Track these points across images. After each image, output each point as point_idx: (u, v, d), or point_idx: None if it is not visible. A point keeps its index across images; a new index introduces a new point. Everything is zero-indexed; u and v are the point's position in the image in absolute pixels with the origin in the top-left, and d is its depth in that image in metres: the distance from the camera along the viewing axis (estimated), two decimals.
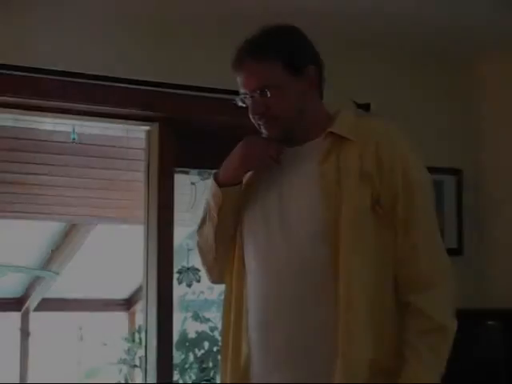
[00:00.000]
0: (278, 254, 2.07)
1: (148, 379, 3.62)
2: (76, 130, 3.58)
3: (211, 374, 5.60)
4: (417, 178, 2.06)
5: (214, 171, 2.23)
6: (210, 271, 2.31)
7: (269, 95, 2.07)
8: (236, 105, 2.15)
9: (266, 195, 2.16)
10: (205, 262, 2.30)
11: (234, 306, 2.17)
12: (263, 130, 2.14)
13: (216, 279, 2.32)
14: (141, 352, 4.47)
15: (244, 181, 2.22)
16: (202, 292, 5.88)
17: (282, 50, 2.07)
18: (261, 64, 2.07)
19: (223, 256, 2.23)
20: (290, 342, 2.02)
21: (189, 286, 4.23)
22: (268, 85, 2.06)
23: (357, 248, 1.98)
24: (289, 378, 2.03)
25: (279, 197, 2.12)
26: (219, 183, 2.16)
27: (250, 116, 2.13)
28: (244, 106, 2.13)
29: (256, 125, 2.15)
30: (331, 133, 2.10)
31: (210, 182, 2.21)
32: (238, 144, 2.17)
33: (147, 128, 3.69)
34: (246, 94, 2.11)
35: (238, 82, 2.13)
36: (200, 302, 5.96)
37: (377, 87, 4.04)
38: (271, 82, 2.06)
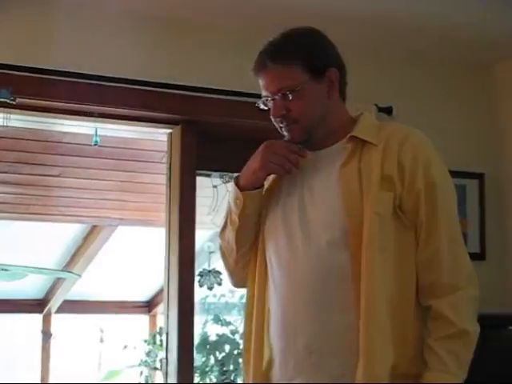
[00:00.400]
0: (298, 260, 2.06)
1: (169, 381, 3.62)
2: (98, 133, 3.58)
3: (232, 377, 5.61)
4: (439, 182, 2.05)
5: (235, 174, 2.23)
6: (231, 275, 2.31)
7: (290, 98, 2.07)
8: (258, 108, 2.16)
9: (287, 199, 2.16)
10: (227, 266, 2.31)
11: (255, 311, 2.17)
12: (285, 133, 2.14)
13: (238, 283, 2.33)
14: (161, 354, 4.47)
15: (266, 184, 2.22)
16: (223, 295, 5.89)
17: (303, 53, 2.08)
18: (282, 67, 2.07)
19: (245, 259, 2.24)
20: (311, 347, 2.02)
21: (210, 288, 4.23)
22: (289, 87, 2.07)
23: (378, 252, 1.97)
24: (310, 382, 2.02)
25: (300, 201, 2.12)
26: (240, 187, 2.17)
27: (272, 119, 2.14)
28: (266, 108, 2.14)
29: (278, 128, 2.15)
30: (353, 136, 2.10)
31: (232, 185, 2.21)
32: (259, 147, 2.17)
33: (169, 131, 3.70)
34: (268, 96, 2.11)
35: (260, 85, 2.13)
36: (221, 305, 5.97)
37: (399, 90, 4.03)
38: (292, 85, 2.07)
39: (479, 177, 4.22)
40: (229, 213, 2.23)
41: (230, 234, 2.22)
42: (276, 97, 2.09)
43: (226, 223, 2.25)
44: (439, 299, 1.99)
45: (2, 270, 5.71)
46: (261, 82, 2.13)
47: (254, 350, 2.15)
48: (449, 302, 1.98)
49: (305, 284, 2.04)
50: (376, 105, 3.82)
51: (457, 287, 2.00)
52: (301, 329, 2.04)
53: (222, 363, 5.62)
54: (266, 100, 2.12)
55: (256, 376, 2.14)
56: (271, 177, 2.23)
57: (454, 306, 1.98)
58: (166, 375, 3.65)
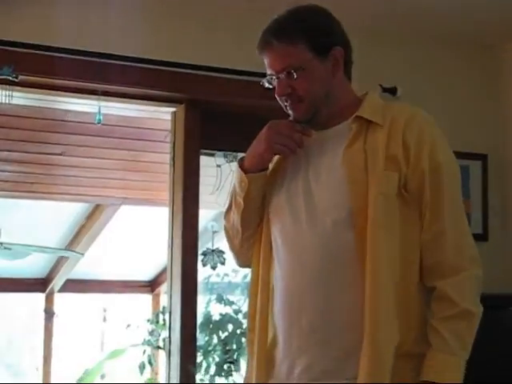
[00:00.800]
0: (303, 240, 2.06)
1: (172, 360, 3.64)
2: (101, 111, 3.57)
3: (235, 356, 5.62)
4: (444, 163, 2.05)
5: (239, 154, 2.23)
6: (236, 255, 2.32)
7: (295, 76, 2.06)
8: (263, 86, 2.15)
9: (292, 180, 2.16)
10: (232, 247, 2.31)
11: (260, 291, 2.17)
12: (290, 112, 2.14)
13: (243, 263, 2.33)
14: (165, 334, 4.49)
15: (270, 166, 2.22)
16: (227, 274, 5.89)
17: (307, 32, 2.06)
18: (286, 45, 2.06)
19: (250, 241, 2.24)
20: (315, 326, 2.02)
21: (213, 268, 4.23)
22: (294, 66, 2.06)
23: (383, 232, 1.97)
24: (313, 361, 2.02)
25: (305, 182, 2.12)
26: (245, 169, 2.16)
27: (277, 97, 2.13)
28: (270, 87, 2.13)
29: (283, 106, 2.15)
30: (358, 117, 2.09)
31: (236, 167, 2.20)
32: (263, 127, 2.17)
33: (173, 109, 3.69)
34: (273, 75, 2.10)
35: (265, 63, 2.12)
36: (224, 285, 5.97)
37: (403, 71, 4.02)
38: (297, 63, 2.06)
39: (482, 158, 4.21)
40: (233, 195, 2.22)
41: (235, 216, 2.22)
42: (281, 75, 2.08)
43: (230, 205, 2.25)
44: (443, 280, 1.99)
45: (5, 248, 5.72)
46: (265, 61, 2.12)
47: (259, 330, 2.16)
48: (453, 283, 1.98)
49: (310, 263, 2.04)
50: (380, 85, 3.81)
51: (461, 268, 2.00)
52: (305, 308, 2.04)
53: (224, 342, 5.63)
54: (271, 78, 2.11)
55: (260, 355, 2.14)
56: (275, 158, 2.23)
57: (458, 286, 1.98)
58: (169, 354, 3.66)
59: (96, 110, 3.55)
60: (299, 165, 2.16)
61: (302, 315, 2.04)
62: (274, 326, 2.13)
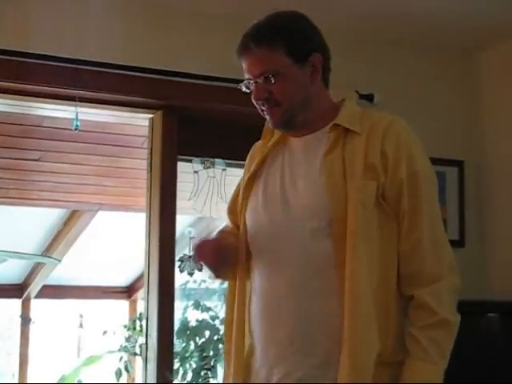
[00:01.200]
0: (280, 248, 2.06)
1: (148, 367, 3.63)
2: (78, 117, 3.56)
3: (212, 363, 5.62)
4: (421, 171, 2.06)
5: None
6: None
7: (272, 81, 2.07)
8: (240, 91, 2.15)
9: (269, 187, 2.16)
10: None
11: (237, 299, 2.18)
12: (267, 117, 2.14)
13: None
14: (141, 340, 4.47)
15: (247, 172, 2.24)
16: (204, 281, 5.90)
17: (286, 37, 2.07)
18: (265, 50, 2.06)
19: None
20: (293, 334, 2.02)
21: (190, 274, 4.24)
22: (272, 71, 2.06)
23: (362, 241, 1.97)
24: (291, 369, 2.02)
25: (282, 189, 2.12)
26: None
27: (254, 102, 2.13)
28: (248, 91, 2.13)
29: (260, 111, 2.15)
30: (336, 125, 2.09)
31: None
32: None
33: (150, 116, 3.68)
34: (250, 79, 2.11)
35: (243, 67, 2.12)
36: (201, 291, 5.98)
37: (380, 78, 4.03)
38: (275, 68, 2.06)
39: (459, 164, 4.23)
40: None
41: None
42: (258, 80, 2.08)
43: None
44: (421, 288, 1.99)
45: None
46: (244, 65, 2.12)
47: (236, 339, 2.16)
48: (431, 292, 1.99)
49: (287, 272, 2.04)
50: (357, 92, 3.82)
51: (439, 277, 2.01)
52: (283, 316, 2.04)
53: (201, 349, 5.63)
54: (249, 83, 2.12)
55: (237, 364, 2.14)
56: (253, 164, 2.24)
57: (436, 295, 1.99)
58: (146, 360, 3.65)
59: (73, 116, 3.53)
60: (276, 171, 2.17)
61: (280, 324, 2.04)
62: (251, 334, 2.13)
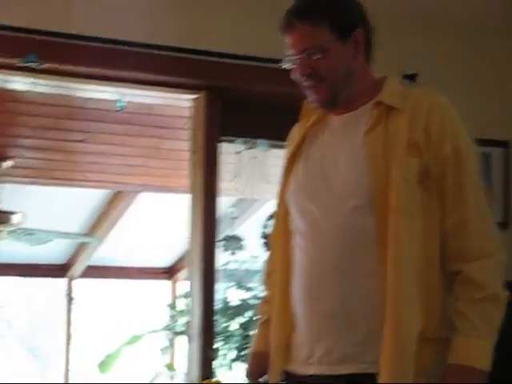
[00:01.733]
0: (322, 226, 2.07)
1: (191, 346, 3.66)
2: (122, 99, 3.58)
3: None
4: (466, 150, 2.05)
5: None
6: None
7: (316, 57, 2.06)
8: (283, 71, 2.15)
9: (310, 167, 2.16)
10: None
11: (279, 278, 2.19)
12: (310, 96, 2.14)
13: None
14: (184, 319, 4.51)
15: (288, 150, 2.24)
16: (246, 261, 5.92)
17: (329, 13, 2.06)
18: (308, 26, 2.06)
19: None
20: (335, 311, 2.03)
21: (232, 254, 4.26)
22: (315, 46, 2.06)
23: (405, 218, 1.97)
24: (333, 346, 2.03)
25: (323, 168, 2.12)
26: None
27: (296, 78, 2.13)
28: (291, 67, 2.13)
29: (302, 89, 2.14)
30: (379, 102, 2.09)
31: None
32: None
33: (194, 96, 3.70)
34: (294, 55, 2.10)
35: (286, 43, 2.12)
36: (243, 271, 6.00)
37: (423, 57, 4.00)
38: (318, 44, 2.06)
39: (504, 145, 4.19)
40: None
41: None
42: (302, 56, 2.08)
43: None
44: (469, 264, 1.99)
45: (27, 234, 5.76)
46: (287, 41, 2.11)
47: (277, 316, 2.17)
48: (479, 267, 1.99)
49: (329, 250, 2.04)
50: (400, 71, 3.79)
51: (486, 253, 2.00)
52: (325, 292, 2.04)
53: (244, 328, 5.66)
54: (292, 59, 2.11)
55: (278, 342, 2.16)
56: (293, 141, 2.25)
57: (485, 270, 1.99)
58: (189, 339, 3.69)
59: (117, 98, 3.57)
60: (316, 151, 2.17)
61: (322, 299, 2.05)
62: (292, 312, 2.14)
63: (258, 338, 2.35)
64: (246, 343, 5.59)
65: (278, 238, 2.23)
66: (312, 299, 2.08)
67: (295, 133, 2.30)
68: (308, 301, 2.09)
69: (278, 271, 2.20)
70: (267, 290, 2.36)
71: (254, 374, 2.30)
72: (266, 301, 2.35)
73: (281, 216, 2.23)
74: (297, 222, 2.16)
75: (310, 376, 2.08)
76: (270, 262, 2.35)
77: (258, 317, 2.40)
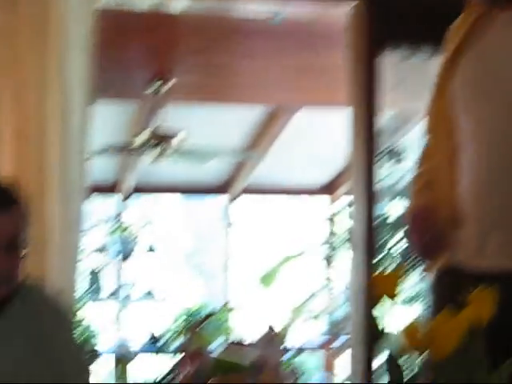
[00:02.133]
0: (497, 125, 1.96)
1: (353, 259, 3.70)
2: (279, 14, 3.57)
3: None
4: None
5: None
6: None
7: None
8: None
9: (480, 64, 2.03)
10: None
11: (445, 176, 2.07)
12: None
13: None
14: (342, 235, 4.54)
15: (452, 44, 2.11)
16: (404, 176, 5.87)
17: None
18: None
19: None
20: (508, 203, 1.92)
21: (395, 165, 4.23)
22: None
23: None
24: (507, 239, 1.93)
25: (497, 66, 2.01)
26: None
27: None
28: None
29: None
30: None
31: None
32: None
33: (352, 4, 3.63)
34: None
35: None
36: (402, 184, 5.96)
37: None
38: None
39: None
40: None
41: None
42: None
43: None
44: None
45: (189, 153, 5.89)
46: None
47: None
48: None
49: (502, 147, 1.94)
50: None
51: None
52: (500, 185, 1.94)
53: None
54: None
55: None
56: (455, 36, 2.11)
57: None
58: (351, 253, 3.73)
59: (273, 12, 3.55)
60: (487, 50, 2.03)
61: (497, 189, 1.95)
62: (461, 199, 2.02)
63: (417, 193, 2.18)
64: (408, 253, 5.59)
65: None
66: (482, 193, 1.97)
67: (453, 33, 2.13)
68: (482, 191, 1.97)
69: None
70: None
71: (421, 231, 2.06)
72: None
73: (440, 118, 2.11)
74: (466, 124, 2.04)
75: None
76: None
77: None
